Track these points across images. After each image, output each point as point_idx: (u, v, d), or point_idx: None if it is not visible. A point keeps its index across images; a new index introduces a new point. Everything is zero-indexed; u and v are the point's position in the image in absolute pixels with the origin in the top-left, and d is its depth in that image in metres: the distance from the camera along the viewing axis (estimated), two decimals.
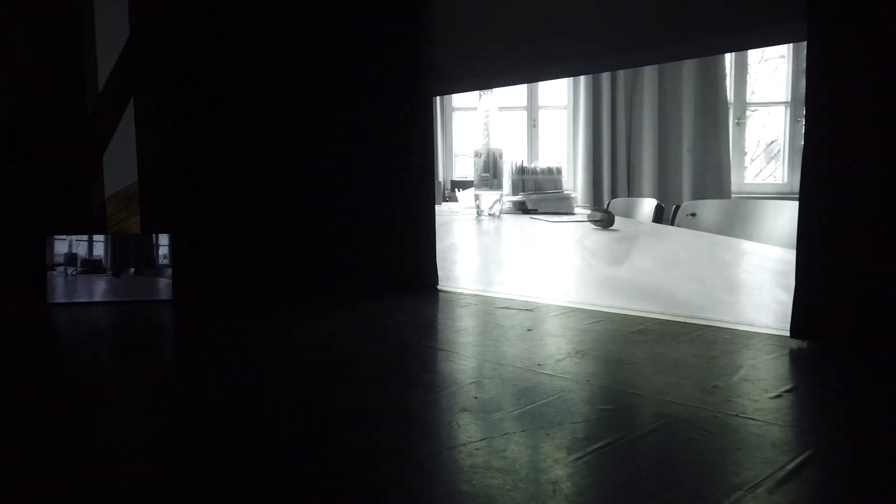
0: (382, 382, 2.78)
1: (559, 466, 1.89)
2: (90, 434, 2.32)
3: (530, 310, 4.16)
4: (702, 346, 3.20)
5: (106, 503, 1.79)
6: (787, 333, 3.23)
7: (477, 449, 2.04)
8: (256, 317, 4.23)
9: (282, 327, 3.90)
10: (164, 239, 4.78)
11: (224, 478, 1.90)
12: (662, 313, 3.87)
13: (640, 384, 2.63)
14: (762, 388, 2.57)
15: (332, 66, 5.22)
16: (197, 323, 4.21)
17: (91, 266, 4.71)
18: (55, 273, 4.63)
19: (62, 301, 4.59)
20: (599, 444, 2.03)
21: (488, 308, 4.29)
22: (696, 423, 2.21)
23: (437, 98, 5.18)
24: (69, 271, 4.65)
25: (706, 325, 3.60)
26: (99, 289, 4.69)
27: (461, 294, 4.79)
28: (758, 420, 2.23)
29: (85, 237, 4.71)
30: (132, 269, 4.75)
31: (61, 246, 4.66)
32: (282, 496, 1.78)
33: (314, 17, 5.26)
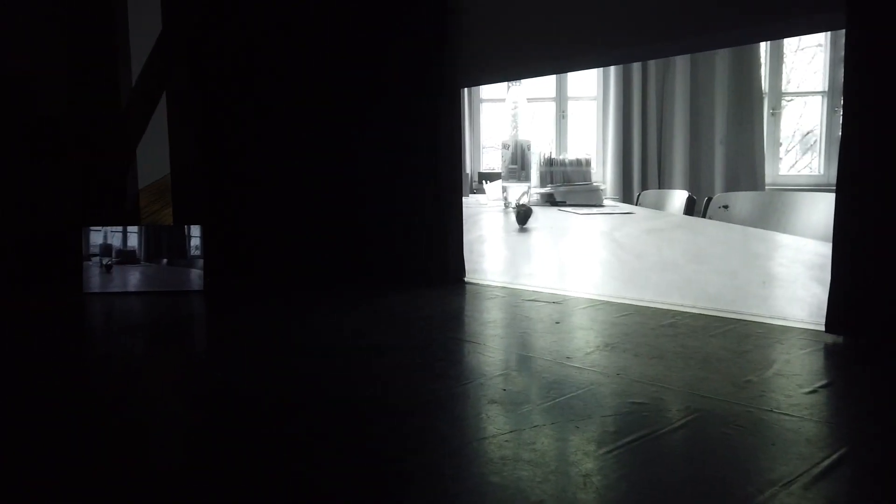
0: (410, 374, 2.79)
1: (589, 460, 1.88)
2: (120, 421, 2.38)
3: (558, 302, 4.13)
4: (734, 340, 3.15)
5: (135, 490, 1.83)
6: (822, 328, 3.17)
7: (506, 441, 2.03)
8: (286, 309, 4.28)
9: (310, 319, 3.94)
10: (195, 230, 4.85)
11: (253, 467, 1.93)
12: (693, 307, 3.82)
13: (671, 378, 2.60)
14: (796, 383, 2.52)
15: (360, 61, 5.23)
16: (227, 314, 4.28)
17: (125, 257, 4.80)
18: (90, 263, 4.74)
19: (97, 291, 4.70)
20: (630, 438, 2.02)
21: (515, 300, 4.27)
22: (728, 418, 2.18)
23: (465, 90, 5.16)
24: (104, 262, 4.76)
25: (738, 319, 3.54)
26: (132, 279, 4.78)
27: (488, 286, 4.78)
28: (792, 416, 2.19)
29: (119, 228, 4.81)
30: (165, 260, 4.84)
31: (96, 237, 4.76)
32: (311, 486, 1.80)
33: (341, 13, 5.27)
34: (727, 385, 2.50)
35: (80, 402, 2.58)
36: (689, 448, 1.97)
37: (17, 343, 3.52)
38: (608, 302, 4.09)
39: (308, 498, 1.73)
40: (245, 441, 2.12)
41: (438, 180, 4.93)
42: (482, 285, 4.83)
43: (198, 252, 4.83)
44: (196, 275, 4.82)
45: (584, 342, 3.18)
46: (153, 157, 5.47)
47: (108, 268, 4.73)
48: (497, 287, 4.74)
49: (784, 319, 3.50)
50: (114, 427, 2.29)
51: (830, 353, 2.95)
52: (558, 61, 4.44)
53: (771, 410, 2.24)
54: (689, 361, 2.81)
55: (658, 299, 4.06)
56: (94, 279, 4.73)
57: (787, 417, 2.18)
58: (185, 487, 1.84)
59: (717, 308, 3.77)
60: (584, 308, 3.95)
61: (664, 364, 2.79)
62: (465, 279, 5.01)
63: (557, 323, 3.60)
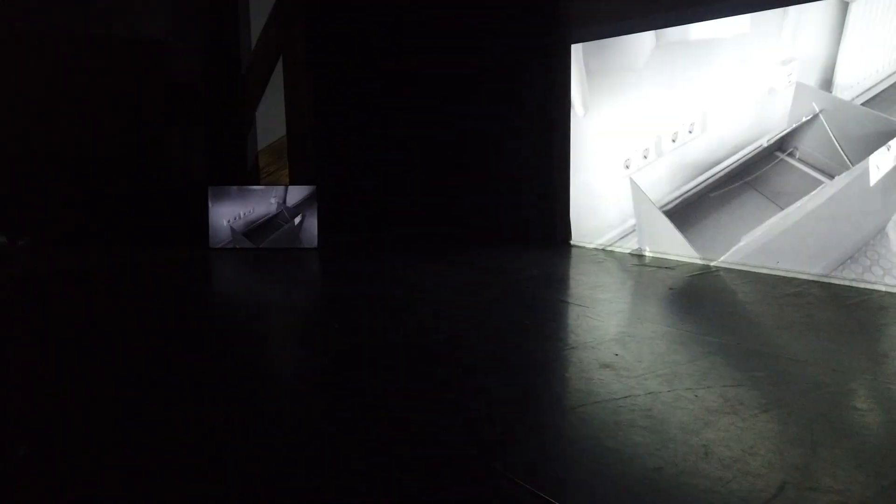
0: (520, 334, 2.80)
1: (709, 429, 1.82)
2: (243, 367, 2.54)
3: (670, 268, 3.99)
4: (869, 312, 2.93)
5: (256, 431, 1.96)
6: None
7: (620, 406, 2.01)
8: (396, 266, 4.38)
9: (420, 276, 4.02)
10: (310, 190, 5.05)
11: (371, 414, 2.01)
12: (821, 276, 3.57)
13: (797, 349, 2.46)
14: None
15: (470, 21, 5.16)
16: (340, 269, 4.44)
17: (247, 215, 5.07)
18: (216, 220, 5.04)
19: (221, 246, 5.01)
20: (754, 410, 1.93)
21: (624, 265, 4.17)
22: (863, 394, 2.04)
23: None
24: (228, 220, 5.05)
25: (873, 290, 3.28)
26: (253, 236, 5.05)
27: (595, 250, 4.69)
28: None
29: (242, 188, 5.08)
30: (283, 218, 5.07)
31: (221, 195, 5.05)
32: (428, 435, 1.86)
33: None
34: (862, 359, 2.34)
35: (202, 348, 2.77)
36: (818, 423, 1.86)
37: (151, 291, 3.82)
38: (725, 268, 3.90)
39: (424, 447, 1.79)
40: (363, 388, 2.21)
41: (547, 141, 4.84)
42: (588, 248, 4.74)
43: (313, 211, 5.02)
44: (311, 232, 5.03)
45: (700, 309, 3.06)
46: (270, 121, 5.70)
47: (229, 224, 5.02)
48: (604, 250, 4.63)
49: None
50: (235, 371, 2.45)
51: None
52: (678, 12, 4.18)
53: None
54: (818, 333, 2.65)
55: (781, 266, 3.82)
56: (218, 235, 5.04)
57: None
58: (302, 430, 1.95)
59: (848, 277, 3.50)
60: (698, 274, 3.80)
61: (789, 335, 2.63)
62: (571, 241, 4.93)
63: (671, 289, 3.48)
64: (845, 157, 3.43)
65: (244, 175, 5.34)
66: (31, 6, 4.74)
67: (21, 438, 1.80)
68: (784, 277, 3.62)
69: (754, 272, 3.76)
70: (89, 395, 2.23)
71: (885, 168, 3.26)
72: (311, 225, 5.01)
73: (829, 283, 3.44)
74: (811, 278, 3.55)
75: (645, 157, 4.37)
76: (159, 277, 4.20)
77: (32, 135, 4.88)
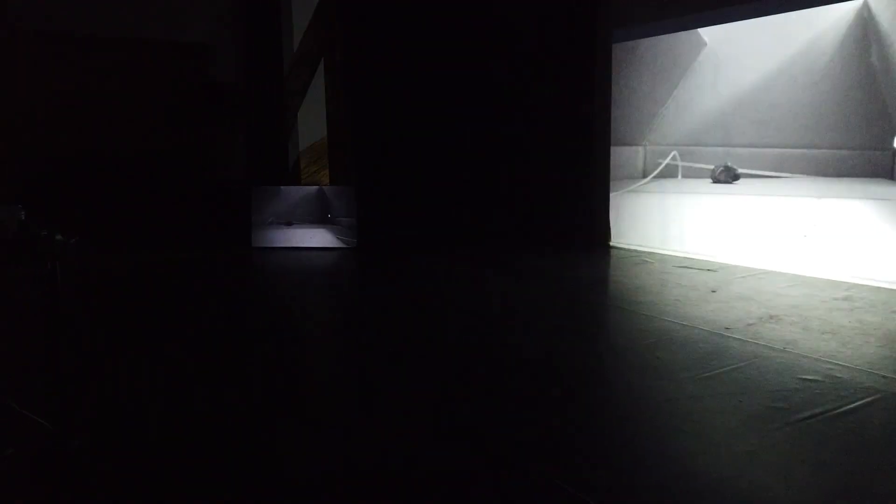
0: (559, 336, 2.78)
1: (755, 435, 1.79)
2: (279, 361, 2.58)
3: (713, 270, 3.92)
4: None
5: (291, 427, 1.99)
6: None
7: (662, 410, 1.98)
8: (433, 267, 4.38)
9: (458, 277, 4.03)
10: (349, 191, 5.10)
11: (407, 416, 2.02)
12: (872, 279, 3.46)
13: (848, 355, 2.39)
14: None
15: (510, 22, 5.14)
16: (378, 269, 4.47)
17: (288, 215, 5.15)
18: (258, 220, 5.13)
19: (264, 246, 5.10)
20: (802, 416, 1.89)
21: (665, 266, 4.11)
22: None
23: None
24: (269, 219, 5.14)
25: None
26: (294, 235, 5.13)
27: (635, 251, 4.63)
28: None
29: (283, 188, 5.18)
30: (323, 219, 5.14)
31: (263, 196, 5.14)
32: (466, 436, 1.86)
33: None
34: None
35: (242, 342, 2.82)
36: (870, 431, 1.81)
37: (194, 289, 3.91)
38: (770, 271, 3.81)
39: (464, 448, 1.79)
40: (399, 389, 2.22)
41: (587, 141, 4.80)
42: (628, 250, 4.69)
43: (351, 211, 5.07)
44: (349, 232, 5.08)
45: (744, 313, 2.99)
46: (312, 122, 5.78)
47: (271, 225, 5.11)
48: (644, 252, 4.57)
49: None
50: (272, 364, 2.50)
51: None
52: (727, 9, 4.10)
53: None
54: (869, 338, 2.57)
55: (828, 270, 3.71)
56: (260, 235, 5.12)
57: None
58: (335, 426, 1.97)
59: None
60: (742, 277, 3.71)
61: (839, 340, 2.56)
62: (611, 243, 4.87)
63: (713, 291, 3.41)
64: None
65: (285, 176, 5.42)
66: (74, 9, 4.88)
67: (76, 431, 1.86)
68: (832, 280, 3.52)
69: (800, 275, 3.67)
70: (120, 387, 2.30)
71: None
72: (350, 225, 5.07)
73: (880, 288, 3.33)
74: (860, 282, 3.44)
75: None
76: (202, 276, 4.29)
77: (79, 137, 5.03)
